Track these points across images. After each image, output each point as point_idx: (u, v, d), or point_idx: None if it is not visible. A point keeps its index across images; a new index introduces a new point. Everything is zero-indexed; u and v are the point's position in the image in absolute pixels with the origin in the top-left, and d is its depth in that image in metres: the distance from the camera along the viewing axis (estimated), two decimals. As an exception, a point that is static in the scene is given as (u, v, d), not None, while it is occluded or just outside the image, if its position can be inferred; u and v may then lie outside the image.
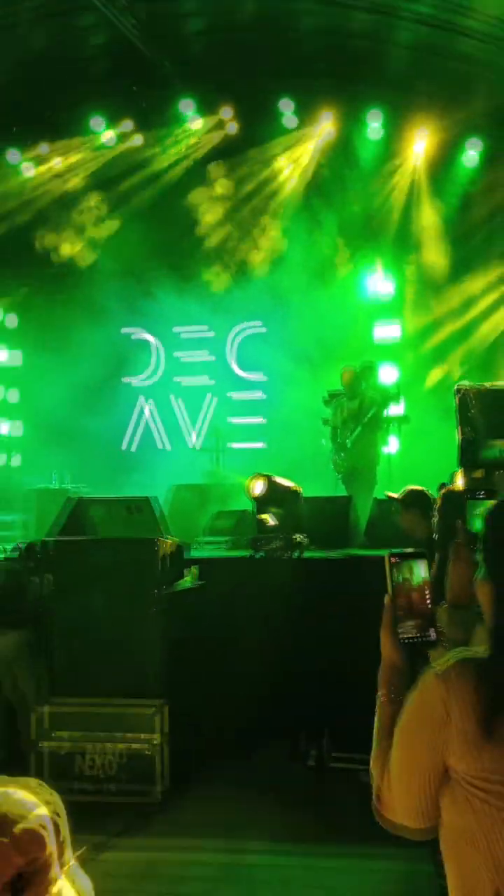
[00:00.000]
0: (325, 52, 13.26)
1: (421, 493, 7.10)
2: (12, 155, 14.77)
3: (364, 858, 5.66)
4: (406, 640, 2.37)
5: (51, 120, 14.61)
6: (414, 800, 2.06)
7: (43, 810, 1.45)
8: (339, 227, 13.66)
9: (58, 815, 1.49)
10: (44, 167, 14.80)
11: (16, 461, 15.21)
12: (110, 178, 14.64)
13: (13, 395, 15.52)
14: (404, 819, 2.11)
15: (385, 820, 2.16)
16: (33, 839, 1.41)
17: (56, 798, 1.50)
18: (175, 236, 14.44)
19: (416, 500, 6.94)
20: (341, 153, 13.77)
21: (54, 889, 1.43)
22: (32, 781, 1.50)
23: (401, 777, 2.08)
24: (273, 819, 6.46)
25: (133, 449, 14.90)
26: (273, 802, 6.77)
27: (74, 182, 14.76)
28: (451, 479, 6.68)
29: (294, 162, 14.02)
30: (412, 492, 7.15)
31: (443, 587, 3.47)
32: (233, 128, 14.00)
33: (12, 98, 14.26)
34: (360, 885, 5.56)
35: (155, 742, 6.97)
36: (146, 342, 15.09)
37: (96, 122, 14.50)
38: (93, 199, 14.75)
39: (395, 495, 7.48)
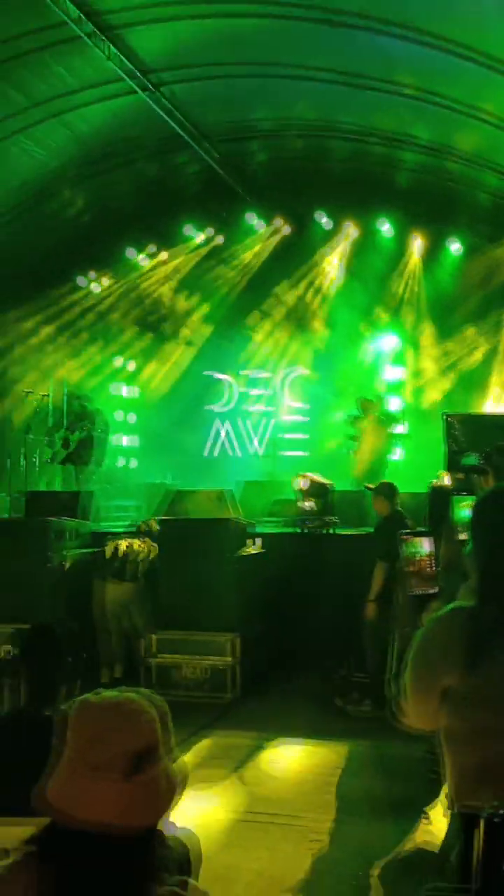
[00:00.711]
0: (350, 174, 13.32)
1: (386, 483, 7.26)
2: (131, 252, 15.06)
3: (374, 743, 5.71)
4: (416, 594, 2.44)
5: (159, 229, 14.81)
6: (422, 708, 2.08)
7: (154, 712, 1.48)
8: (363, 300, 13.64)
9: (165, 714, 1.51)
10: (154, 261, 14.99)
11: (133, 464, 15.35)
12: (201, 267, 14.67)
13: (132, 418, 15.69)
14: (416, 723, 2.13)
15: (400, 723, 2.18)
16: (150, 727, 1.48)
17: (163, 702, 1.51)
18: (248, 306, 14.51)
19: (382, 489, 7.12)
20: (364, 248, 13.67)
21: (163, 761, 1.45)
22: (145, 691, 1.51)
23: (413, 692, 2.09)
24: (311, 718, 6.57)
25: (215, 455, 14.98)
26: (311, 706, 6.87)
27: (177, 270, 14.84)
28: (438, 478, 6.72)
29: (332, 255, 13.92)
30: (381, 483, 7.31)
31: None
32: (287, 230, 14.02)
33: (134, 213, 14.52)
34: (372, 759, 5.60)
35: (229, 662, 7.07)
36: (224, 381, 15.17)
37: (189, 229, 14.66)
38: (189, 282, 14.82)
39: (370, 486, 7.63)
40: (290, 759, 5.69)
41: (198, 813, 4.40)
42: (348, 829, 4.46)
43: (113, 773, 1.37)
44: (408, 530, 2.68)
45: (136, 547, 7.69)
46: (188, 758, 5.32)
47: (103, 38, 9.53)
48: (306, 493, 8.75)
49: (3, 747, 2.38)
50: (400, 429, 12.70)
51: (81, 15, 9.19)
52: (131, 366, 15.55)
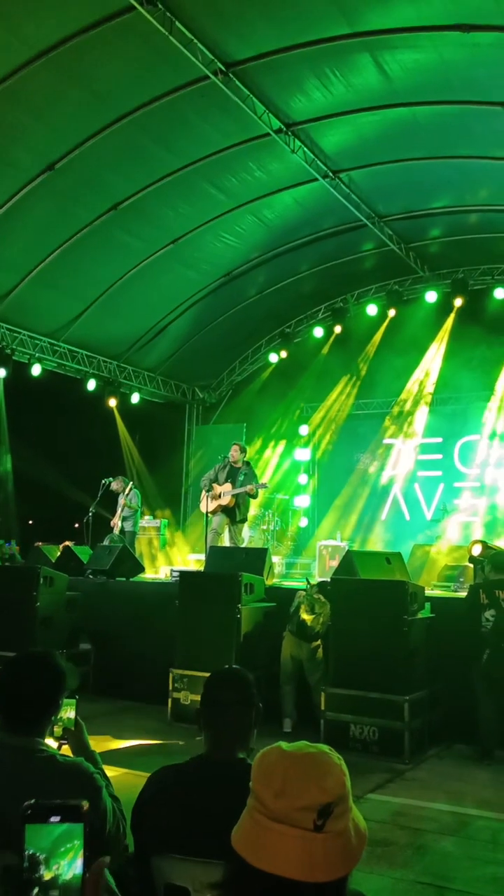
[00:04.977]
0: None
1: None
2: (317, 330, 15.48)
3: None
4: None
5: (339, 308, 15.10)
6: None
7: (343, 765, 1.40)
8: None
9: (344, 772, 1.42)
10: (333, 336, 15.26)
11: (303, 522, 15.38)
12: (385, 342, 14.65)
13: (303, 479, 15.83)
14: None
15: None
16: (340, 780, 1.44)
17: (341, 759, 1.44)
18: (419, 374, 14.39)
19: None
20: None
21: (350, 815, 1.42)
22: (325, 747, 1.44)
23: None
24: (485, 790, 6.09)
25: (383, 519, 14.72)
26: (485, 777, 6.39)
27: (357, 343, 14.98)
28: None
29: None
30: None
31: None
32: (460, 302, 13.72)
33: (314, 289, 14.91)
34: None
35: (402, 724, 6.78)
36: (396, 445, 14.95)
37: (366, 303, 14.87)
38: (366, 357, 14.87)
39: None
40: (459, 829, 5.32)
41: (365, 876, 4.21)
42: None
43: (301, 824, 1.34)
44: None
45: (316, 609, 7.59)
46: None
47: (289, 133, 10.02)
48: (481, 559, 8.37)
49: (186, 792, 2.39)
50: None
51: (281, 125, 9.77)
52: (304, 430, 15.78)
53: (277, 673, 7.65)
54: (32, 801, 1.28)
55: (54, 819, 1.27)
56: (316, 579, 8.92)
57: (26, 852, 1.24)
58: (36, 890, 1.21)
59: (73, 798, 1.27)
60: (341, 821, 1.37)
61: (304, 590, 7.78)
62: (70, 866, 1.25)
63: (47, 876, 1.23)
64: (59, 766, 2.38)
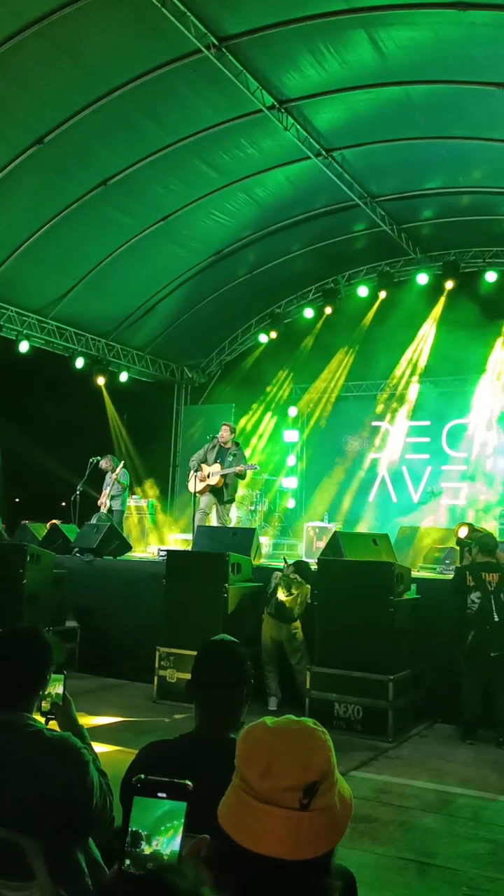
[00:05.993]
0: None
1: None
2: (307, 311, 15.42)
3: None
4: None
5: (330, 288, 15.04)
6: None
7: (328, 738, 1.40)
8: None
9: (329, 747, 1.43)
10: (323, 317, 15.20)
11: (290, 504, 15.38)
12: (371, 322, 14.60)
13: (291, 460, 15.82)
14: None
15: None
16: (326, 754, 1.44)
17: (327, 734, 1.44)
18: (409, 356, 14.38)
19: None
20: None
21: (335, 788, 1.42)
22: (310, 721, 1.44)
23: None
24: (467, 768, 6.19)
25: (372, 500, 14.75)
26: (466, 755, 6.50)
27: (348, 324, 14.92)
28: None
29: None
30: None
31: None
32: (451, 285, 13.70)
33: (310, 272, 14.83)
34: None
35: (386, 703, 6.85)
36: (384, 427, 14.99)
37: (357, 284, 14.82)
38: (356, 339, 14.83)
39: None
40: (441, 806, 5.40)
41: (349, 851, 4.26)
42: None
43: (287, 804, 1.34)
44: None
45: (293, 590, 7.61)
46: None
47: (282, 110, 9.92)
48: (467, 541, 8.42)
49: (176, 769, 2.39)
50: None
51: (274, 101, 9.66)
52: (293, 412, 15.77)
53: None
54: (142, 776, 1.35)
55: (161, 795, 1.35)
56: (302, 558, 8.94)
57: (130, 829, 1.32)
58: (128, 862, 1.28)
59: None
60: (327, 796, 1.37)
61: (281, 570, 7.81)
62: (169, 843, 1.33)
63: (147, 851, 1.31)
64: (47, 740, 2.40)
